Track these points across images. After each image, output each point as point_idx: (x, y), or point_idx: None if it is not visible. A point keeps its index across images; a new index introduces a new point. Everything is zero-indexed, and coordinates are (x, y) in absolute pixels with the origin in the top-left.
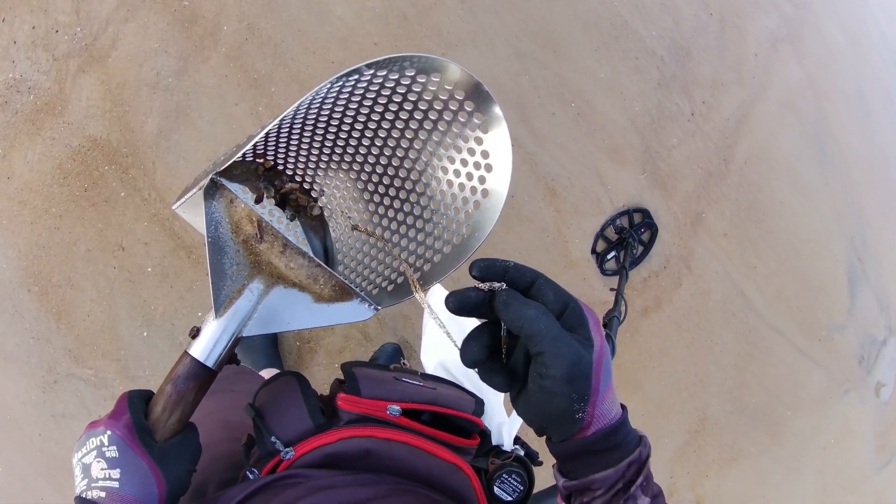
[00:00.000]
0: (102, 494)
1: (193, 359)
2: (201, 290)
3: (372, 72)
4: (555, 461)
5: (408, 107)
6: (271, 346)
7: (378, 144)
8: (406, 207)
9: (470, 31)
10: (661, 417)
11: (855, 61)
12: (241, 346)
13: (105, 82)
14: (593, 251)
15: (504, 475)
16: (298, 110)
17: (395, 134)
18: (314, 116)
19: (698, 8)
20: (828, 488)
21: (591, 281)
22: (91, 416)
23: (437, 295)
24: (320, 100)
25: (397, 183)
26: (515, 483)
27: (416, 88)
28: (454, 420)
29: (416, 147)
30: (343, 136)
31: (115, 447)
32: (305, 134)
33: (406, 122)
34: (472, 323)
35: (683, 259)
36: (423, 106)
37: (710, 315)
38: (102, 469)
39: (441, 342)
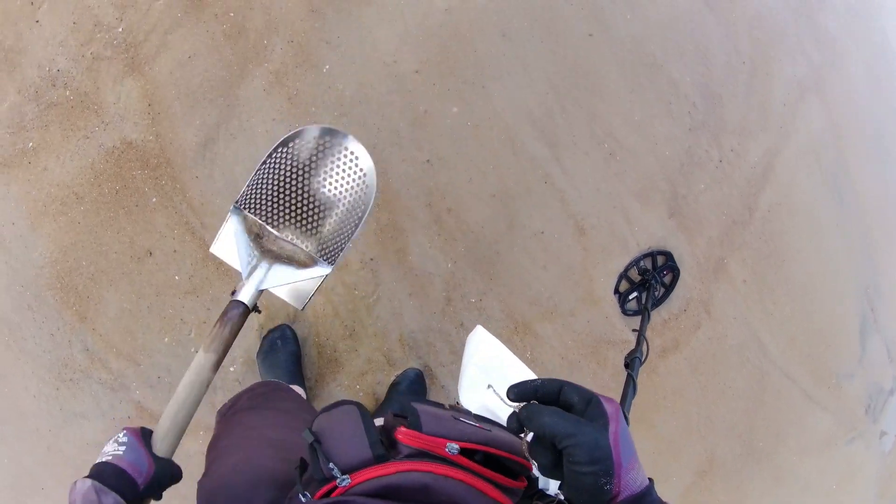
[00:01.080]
0: (108, 458)
1: (237, 300)
2: (226, 302)
3: (292, 143)
4: None
5: (312, 151)
6: (294, 364)
7: (302, 177)
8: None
9: (509, 64)
10: (672, 457)
11: (875, 100)
12: (266, 364)
13: (144, 87)
14: (616, 291)
15: None
16: (258, 171)
17: (309, 170)
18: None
19: (731, 54)
20: None
21: (613, 319)
22: (105, 418)
23: (478, 336)
24: (271, 161)
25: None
26: None
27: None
28: (505, 461)
29: (323, 171)
30: (281, 176)
31: (126, 439)
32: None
33: (311, 158)
34: (516, 371)
35: (703, 303)
36: (320, 149)
37: (725, 359)
38: (114, 448)
39: (481, 385)
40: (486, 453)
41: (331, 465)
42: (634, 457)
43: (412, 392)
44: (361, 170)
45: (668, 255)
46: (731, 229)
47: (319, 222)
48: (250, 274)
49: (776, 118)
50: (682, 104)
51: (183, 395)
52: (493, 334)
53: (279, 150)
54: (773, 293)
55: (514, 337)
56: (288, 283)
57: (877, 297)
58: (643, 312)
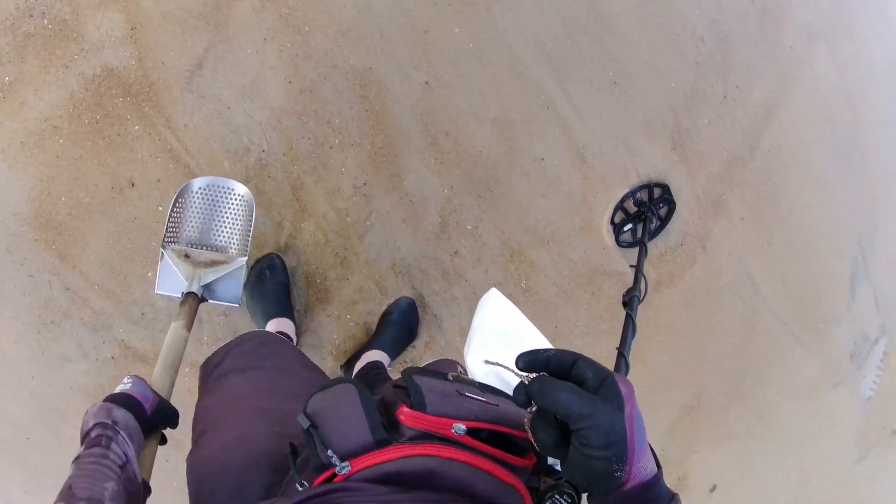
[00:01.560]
0: (117, 391)
1: (188, 292)
2: None
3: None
4: None
5: (200, 195)
6: (283, 293)
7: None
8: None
9: None
10: (661, 390)
11: (884, 54)
12: (254, 295)
13: (127, 8)
14: (611, 222)
15: (556, 496)
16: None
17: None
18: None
19: None
20: (806, 474)
21: (610, 250)
22: (88, 360)
23: (493, 299)
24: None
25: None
26: (564, 503)
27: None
28: (512, 437)
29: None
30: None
31: (131, 379)
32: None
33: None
34: (532, 338)
35: (700, 238)
36: (204, 192)
37: (719, 295)
38: (121, 387)
39: (492, 347)
40: (494, 430)
41: (329, 452)
42: (647, 443)
43: (404, 322)
44: (240, 195)
45: (665, 188)
46: (731, 166)
47: (224, 233)
48: (192, 282)
49: (783, 61)
50: (690, 38)
51: (165, 351)
52: (488, 261)
53: (178, 201)
54: (769, 233)
55: (510, 265)
56: (220, 276)
57: (869, 247)
58: (640, 246)
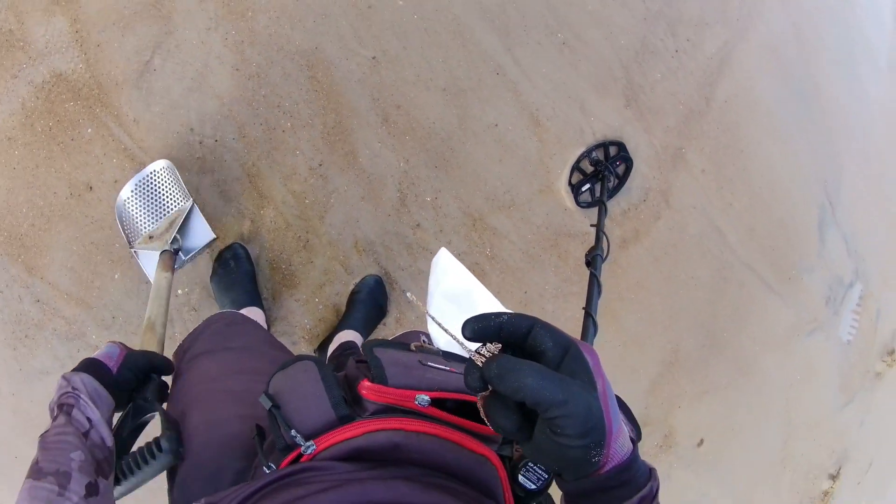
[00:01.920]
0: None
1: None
2: None
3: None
4: (563, 495)
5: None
6: (250, 282)
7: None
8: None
9: None
10: (637, 349)
11: (842, 8)
12: (221, 286)
13: (72, 14)
14: (569, 183)
15: (529, 464)
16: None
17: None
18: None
19: None
20: (792, 423)
21: (572, 212)
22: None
23: (442, 261)
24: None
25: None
26: (540, 472)
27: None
28: None
29: None
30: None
31: (105, 346)
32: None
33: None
34: (484, 301)
35: (662, 193)
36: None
37: (687, 249)
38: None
39: (448, 313)
40: (460, 400)
41: (293, 432)
42: (620, 420)
43: (372, 300)
44: (160, 170)
45: (621, 146)
46: (688, 119)
47: (166, 204)
48: (163, 246)
49: (733, 12)
50: None
51: (152, 296)
52: (451, 231)
53: (120, 213)
54: (731, 184)
55: (472, 233)
56: (181, 228)
57: (834, 192)
58: (599, 205)
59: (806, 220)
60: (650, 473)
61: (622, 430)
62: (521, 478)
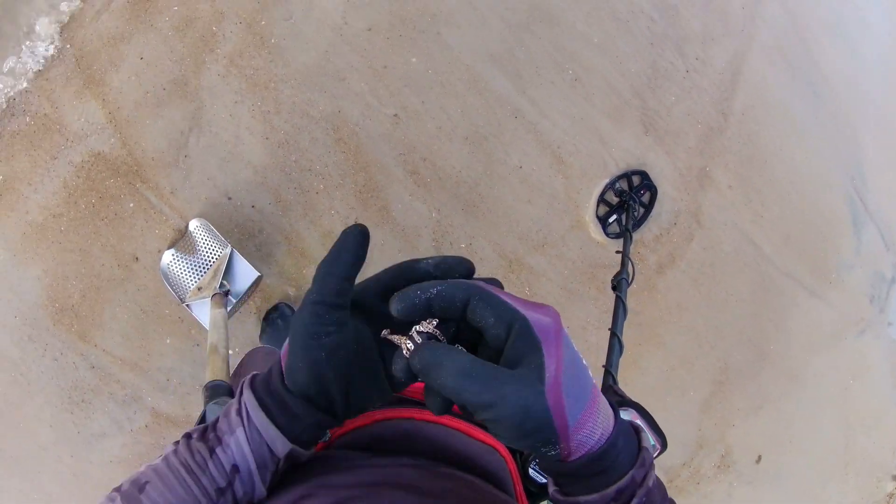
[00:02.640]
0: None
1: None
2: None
3: None
4: None
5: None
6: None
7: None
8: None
9: (458, 6)
10: (685, 371)
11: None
12: (270, 344)
13: (103, 97)
14: (596, 215)
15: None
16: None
17: None
18: None
19: None
20: (851, 426)
21: (605, 244)
22: (123, 433)
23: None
24: None
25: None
26: None
27: None
28: None
29: None
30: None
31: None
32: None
33: None
34: None
35: (692, 214)
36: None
37: (724, 266)
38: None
39: None
40: None
41: None
42: (591, 401)
43: None
44: (194, 229)
45: (643, 175)
46: (708, 137)
47: (206, 258)
48: (212, 292)
49: (736, 21)
50: (640, 19)
51: (210, 327)
52: (489, 274)
53: (166, 276)
54: (760, 194)
55: (510, 275)
56: (224, 274)
57: (863, 185)
58: (624, 234)
59: (839, 219)
60: (637, 460)
61: (591, 418)
62: (531, 471)
